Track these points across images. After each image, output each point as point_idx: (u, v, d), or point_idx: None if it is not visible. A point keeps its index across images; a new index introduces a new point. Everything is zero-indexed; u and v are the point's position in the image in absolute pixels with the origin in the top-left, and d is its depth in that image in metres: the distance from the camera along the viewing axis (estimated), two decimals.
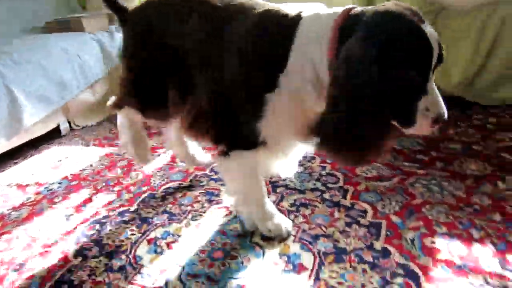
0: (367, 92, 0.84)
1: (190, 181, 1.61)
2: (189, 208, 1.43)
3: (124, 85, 1.36)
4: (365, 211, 1.31)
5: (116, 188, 1.64)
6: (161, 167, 1.77)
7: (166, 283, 1.11)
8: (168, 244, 1.26)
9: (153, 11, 1.26)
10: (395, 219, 1.25)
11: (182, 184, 1.59)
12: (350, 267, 1.09)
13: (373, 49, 0.82)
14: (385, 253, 1.11)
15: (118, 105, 1.43)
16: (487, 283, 0.99)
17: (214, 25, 1.12)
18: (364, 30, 0.86)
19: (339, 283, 1.04)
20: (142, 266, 1.18)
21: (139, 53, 1.29)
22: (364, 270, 1.07)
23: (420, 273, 1.04)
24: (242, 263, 1.15)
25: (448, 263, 1.06)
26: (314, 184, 1.49)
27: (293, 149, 1.17)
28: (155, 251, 1.23)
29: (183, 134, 1.40)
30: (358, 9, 0.94)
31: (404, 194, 1.37)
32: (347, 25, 0.92)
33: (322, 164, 1.63)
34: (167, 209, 1.44)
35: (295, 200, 1.41)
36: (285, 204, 1.39)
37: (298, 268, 1.11)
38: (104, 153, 2.02)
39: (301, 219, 1.31)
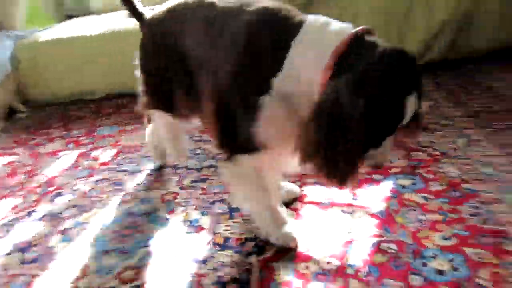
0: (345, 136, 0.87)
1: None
2: (97, 198, 1.56)
3: (146, 89, 1.43)
4: None
5: (21, 193, 1.69)
6: (67, 167, 1.85)
7: (80, 264, 1.24)
8: (78, 232, 1.38)
9: (165, 18, 1.32)
10: None
11: (88, 180, 1.71)
12: (242, 219, 1.34)
13: (360, 101, 0.85)
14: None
15: (147, 108, 1.50)
16: (343, 211, 1.31)
17: (212, 28, 1.14)
18: (358, 76, 0.87)
19: (232, 233, 1.28)
20: (55, 253, 1.30)
21: (155, 59, 1.36)
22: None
23: (294, 213, 1.33)
24: (150, 234, 1.33)
25: (314, 203, 1.37)
26: (210, 162, 1.72)
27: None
28: (67, 240, 1.35)
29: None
30: (366, 38, 0.94)
31: None
32: (347, 56, 0.92)
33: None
34: (75, 203, 1.55)
35: (194, 178, 1.62)
36: (186, 182, 1.60)
37: (198, 229, 1.32)
38: (2, 163, 2.02)
39: (200, 191, 1.52)
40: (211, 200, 1.46)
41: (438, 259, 1.08)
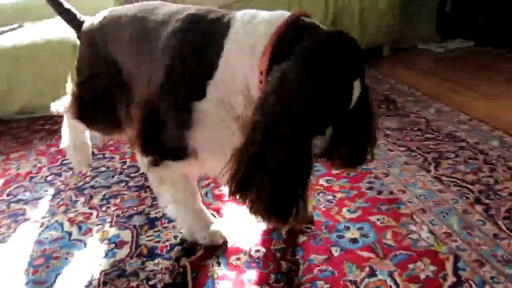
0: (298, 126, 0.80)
1: None
2: None
3: (72, 98, 1.34)
4: None
5: None
6: None
7: None
8: None
9: (99, 28, 1.26)
10: None
11: None
12: (163, 228, 1.32)
13: (309, 86, 0.79)
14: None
15: (72, 117, 1.38)
16: None
17: (144, 42, 1.11)
18: (303, 60, 0.82)
19: (156, 241, 1.26)
20: None
21: (85, 70, 1.30)
22: (174, 226, 1.32)
23: (215, 213, 1.36)
24: (66, 259, 1.23)
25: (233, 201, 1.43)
26: (118, 178, 1.66)
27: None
28: None
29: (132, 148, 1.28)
30: (301, 21, 0.91)
31: None
32: (287, 41, 0.87)
33: (121, 160, 1.80)
34: None
35: (104, 195, 1.54)
36: (95, 201, 1.51)
37: (120, 244, 1.27)
38: None
39: (113, 208, 1.46)
40: (127, 214, 1.42)
41: (350, 230, 1.23)
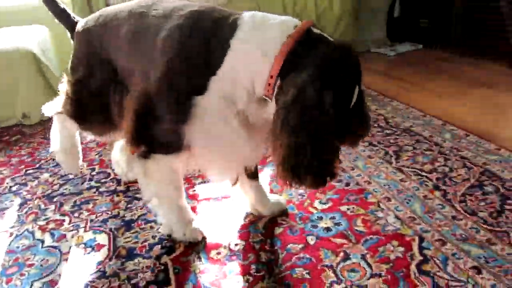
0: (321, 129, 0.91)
1: None
2: None
3: (66, 97, 1.32)
4: (140, 189, 1.56)
5: None
6: None
7: None
8: None
9: (94, 26, 1.25)
10: None
11: None
12: (140, 229, 1.33)
13: (328, 95, 0.89)
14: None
15: (57, 111, 1.37)
16: (233, 201, 1.43)
17: (144, 38, 1.10)
18: (320, 73, 0.89)
19: (134, 242, 1.27)
20: None
21: (80, 69, 1.27)
22: (151, 227, 1.33)
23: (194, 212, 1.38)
24: (41, 265, 1.21)
25: (207, 199, 1.46)
26: (89, 184, 1.64)
27: (227, 154, 1.10)
28: None
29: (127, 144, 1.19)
30: (312, 31, 0.96)
31: None
32: (299, 51, 0.93)
33: (89, 167, 1.77)
34: None
35: (74, 202, 1.52)
36: (66, 208, 1.49)
37: (97, 248, 1.26)
38: None
39: (86, 213, 1.44)
40: (101, 218, 1.41)
41: (323, 220, 1.30)
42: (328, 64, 0.91)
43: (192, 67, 1.01)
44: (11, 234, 1.37)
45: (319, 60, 0.91)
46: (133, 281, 1.11)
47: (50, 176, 1.73)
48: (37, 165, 1.84)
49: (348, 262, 1.12)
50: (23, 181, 1.72)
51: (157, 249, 1.23)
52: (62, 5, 1.37)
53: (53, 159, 1.86)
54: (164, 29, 1.05)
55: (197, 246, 1.23)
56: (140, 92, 1.08)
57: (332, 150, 0.95)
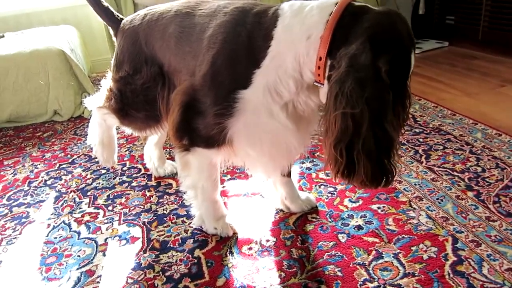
0: (383, 107, 0.85)
1: None
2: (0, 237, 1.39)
3: (109, 93, 1.36)
4: (170, 184, 1.59)
5: None
6: None
7: None
8: None
9: (140, 25, 1.28)
10: None
11: None
12: (172, 223, 1.36)
13: (383, 61, 0.84)
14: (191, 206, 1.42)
15: (99, 105, 1.41)
16: (262, 197, 1.44)
17: (191, 36, 1.12)
18: (369, 36, 0.85)
19: (168, 236, 1.29)
20: None
21: (125, 66, 1.30)
22: (183, 221, 1.36)
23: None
24: (78, 256, 1.25)
25: (237, 195, 1.47)
26: (120, 179, 1.68)
27: (270, 151, 1.10)
28: None
29: (172, 139, 1.20)
30: (352, 4, 0.92)
31: None
32: (345, 24, 0.89)
33: (120, 163, 1.81)
34: None
35: (108, 196, 1.56)
36: (100, 201, 1.53)
37: (131, 240, 1.30)
38: None
39: (119, 207, 1.48)
40: (134, 212, 1.44)
41: (354, 218, 1.30)
42: (378, 31, 0.86)
43: (235, 61, 1.02)
44: (49, 225, 1.42)
45: (368, 28, 0.86)
46: (167, 273, 1.14)
47: (83, 170, 1.78)
48: (70, 160, 1.89)
49: (380, 261, 1.12)
50: (57, 175, 1.77)
51: (189, 243, 1.26)
52: (105, 3, 1.41)
53: (85, 155, 1.92)
54: (209, 27, 1.08)
55: (229, 241, 1.25)
56: (186, 86, 1.11)
57: (391, 129, 0.87)
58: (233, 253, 1.20)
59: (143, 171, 1.72)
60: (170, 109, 1.19)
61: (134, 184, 1.63)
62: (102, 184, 1.65)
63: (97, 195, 1.58)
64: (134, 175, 1.70)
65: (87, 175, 1.74)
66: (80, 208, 1.50)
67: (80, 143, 2.07)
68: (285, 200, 1.36)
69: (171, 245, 1.25)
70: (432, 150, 1.65)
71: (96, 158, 1.85)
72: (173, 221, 1.37)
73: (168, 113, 1.23)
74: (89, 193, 1.60)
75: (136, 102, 1.30)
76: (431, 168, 1.53)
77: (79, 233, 1.36)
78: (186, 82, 1.12)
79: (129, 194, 1.56)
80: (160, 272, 1.15)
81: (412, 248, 1.15)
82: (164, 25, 1.21)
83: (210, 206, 1.27)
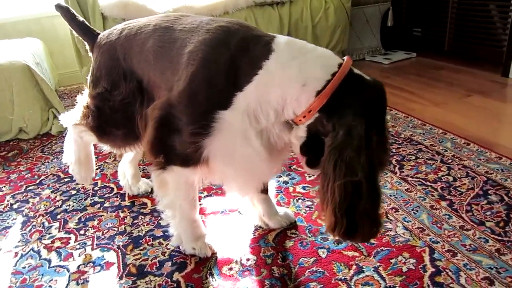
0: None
1: None
2: None
3: (86, 110, 1.32)
4: (145, 204, 1.55)
5: None
6: None
7: None
8: None
9: (118, 39, 1.24)
10: None
11: None
12: (148, 245, 1.32)
13: (373, 134, 0.93)
14: (168, 226, 1.39)
15: (75, 123, 1.36)
16: (240, 213, 1.43)
17: (171, 50, 1.10)
18: (363, 109, 0.93)
19: (144, 259, 1.25)
20: None
21: (102, 82, 1.26)
22: (159, 243, 1.32)
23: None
24: (50, 286, 1.18)
25: (214, 213, 1.45)
26: (92, 199, 1.62)
27: (245, 171, 1.09)
28: None
29: (146, 154, 1.19)
30: (352, 71, 0.99)
31: None
32: (343, 90, 0.95)
33: (93, 182, 1.75)
34: None
35: (79, 219, 1.50)
36: (71, 225, 1.46)
37: (106, 266, 1.25)
38: None
39: (91, 230, 1.42)
40: (108, 235, 1.39)
41: None
42: (370, 105, 0.96)
43: (216, 80, 1.01)
44: (16, 254, 1.34)
45: (363, 101, 0.95)
46: None
47: (52, 192, 1.71)
48: (37, 181, 1.81)
49: (361, 275, 1.12)
50: (24, 197, 1.69)
51: (167, 266, 1.22)
52: (80, 18, 1.36)
53: (53, 175, 1.85)
54: (190, 42, 1.06)
55: (208, 261, 1.22)
56: (162, 101, 1.08)
57: (379, 191, 0.96)
58: (213, 274, 1.17)
59: (115, 190, 1.67)
60: (146, 122, 1.16)
61: (106, 204, 1.57)
62: (73, 206, 1.59)
63: (68, 218, 1.51)
64: (106, 195, 1.64)
65: (56, 196, 1.66)
66: (49, 234, 1.43)
67: (48, 162, 1.99)
68: (263, 217, 1.35)
69: (149, 269, 1.21)
70: (405, 161, 1.69)
71: (65, 178, 1.80)
72: (149, 243, 1.33)
73: (145, 130, 1.19)
74: (58, 217, 1.52)
75: (114, 119, 1.26)
76: (405, 179, 1.56)
77: (49, 261, 1.29)
78: (163, 97, 1.09)
79: (101, 216, 1.51)
80: None
81: (391, 260, 1.16)
82: (143, 39, 1.18)
83: (188, 225, 1.24)
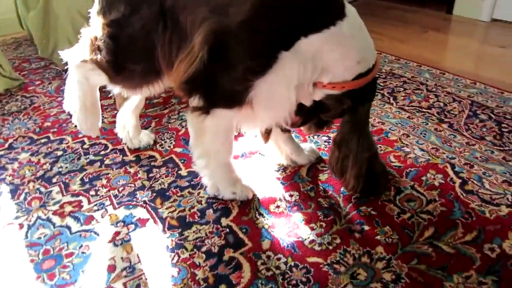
0: None
1: None
2: None
3: (96, 43, 1.12)
4: (153, 157, 1.43)
5: None
6: None
7: None
8: None
9: None
10: None
11: None
12: (178, 196, 1.23)
13: None
14: (190, 175, 1.31)
15: (83, 59, 1.16)
16: (261, 155, 1.40)
17: None
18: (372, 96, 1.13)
19: (181, 211, 1.17)
20: None
21: (117, 7, 1.07)
22: (190, 192, 1.24)
23: None
24: (83, 253, 1.06)
25: (236, 157, 1.40)
26: (87, 158, 1.43)
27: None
28: None
29: (177, 91, 1.08)
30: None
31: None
32: (370, 84, 1.05)
33: (75, 141, 1.54)
34: None
35: (82, 180, 1.33)
36: (75, 187, 1.30)
37: (140, 223, 1.14)
38: None
39: (103, 190, 1.28)
40: (126, 192, 1.26)
41: None
42: (374, 90, 1.13)
43: (288, 17, 0.93)
44: (21, 225, 1.16)
45: (373, 87, 1.10)
46: (203, 249, 1.04)
47: (31, 155, 1.47)
48: (6, 145, 1.54)
49: (402, 194, 1.19)
50: None
51: (210, 213, 1.16)
52: None
53: (23, 136, 1.59)
54: None
55: (252, 203, 1.19)
56: (215, 28, 0.94)
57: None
58: (262, 214, 1.15)
59: (111, 147, 1.50)
60: (176, 56, 1.03)
61: (108, 161, 1.41)
62: (66, 167, 1.40)
63: (67, 180, 1.33)
64: (102, 152, 1.47)
65: (39, 159, 1.44)
66: (53, 199, 1.25)
67: (9, 124, 1.70)
68: (291, 155, 1.33)
69: (191, 220, 1.14)
70: (396, 92, 1.77)
71: (41, 138, 1.58)
72: (178, 194, 1.24)
73: (168, 63, 1.07)
74: (54, 180, 1.34)
75: (134, 51, 1.10)
76: (402, 108, 1.65)
77: (68, 228, 1.14)
78: (214, 22, 0.95)
79: (108, 173, 1.35)
80: (195, 249, 1.04)
81: (422, 178, 1.25)
82: None
83: (226, 170, 1.18)
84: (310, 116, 1.13)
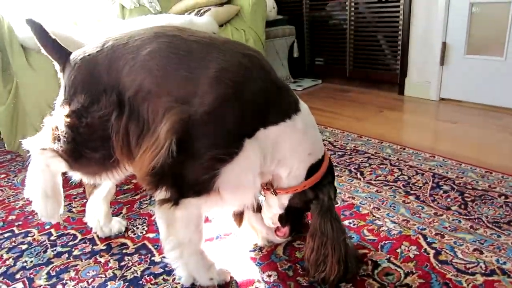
0: None
1: None
2: None
3: (56, 132, 1.14)
4: (125, 244, 1.38)
5: None
6: None
7: None
8: None
9: (100, 52, 1.11)
10: None
11: None
12: (152, 284, 1.17)
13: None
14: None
15: (43, 147, 1.17)
16: (235, 237, 1.38)
17: (181, 54, 1.03)
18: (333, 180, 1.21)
19: None
20: None
21: (77, 98, 1.10)
22: (164, 279, 1.19)
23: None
24: None
25: (209, 240, 1.37)
26: (54, 250, 1.36)
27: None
28: None
29: (140, 182, 1.07)
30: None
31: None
32: (327, 171, 1.17)
33: (42, 233, 1.48)
34: None
35: (48, 273, 1.25)
36: (41, 282, 1.21)
37: None
38: None
39: (71, 283, 1.20)
40: (96, 284, 1.19)
41: None
42: (332, 172, 1.23)
43: (249, 108, 1.01)
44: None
45: (331, 171, 1.20)
46: None
47: None
48: None
49: (379, 268, 1.19)
50: None
51: None
52: (53, 36, 1.18)
53: None
54: (216, 58, 1.02)
55: (230, 287, 1.15)
56: (180, 118, 0.97)
57: None
58: None
59: (80, 237, 1.44)
60: (136, 146, 1.05)
61: (76, 252, 1.35)
62: (32, 261, 1.32)
63: (32, 276, 1.25)
64: (70, 243, 1.41)
65: (2, 255, 1.36)
66: None
67: None
68: (267, 234, 1.33)
69: None
70: (362, 168, 1.85)
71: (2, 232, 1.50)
72: (151, 282, 1.19)
73: (128, 152, 1.08)
74: (18, 276, 1.25)
75: (92, 139, 1.11)
76: (370, 182, 1.71)
77: None
78: (180, 111, 0.98)
79: (76, 265, 1.29)
80: None
81: (397, 250, 1.26)
82: (138, 46, 1.07)
83: (199, 258, 1.14)
84: (295, 221, 1.26)
